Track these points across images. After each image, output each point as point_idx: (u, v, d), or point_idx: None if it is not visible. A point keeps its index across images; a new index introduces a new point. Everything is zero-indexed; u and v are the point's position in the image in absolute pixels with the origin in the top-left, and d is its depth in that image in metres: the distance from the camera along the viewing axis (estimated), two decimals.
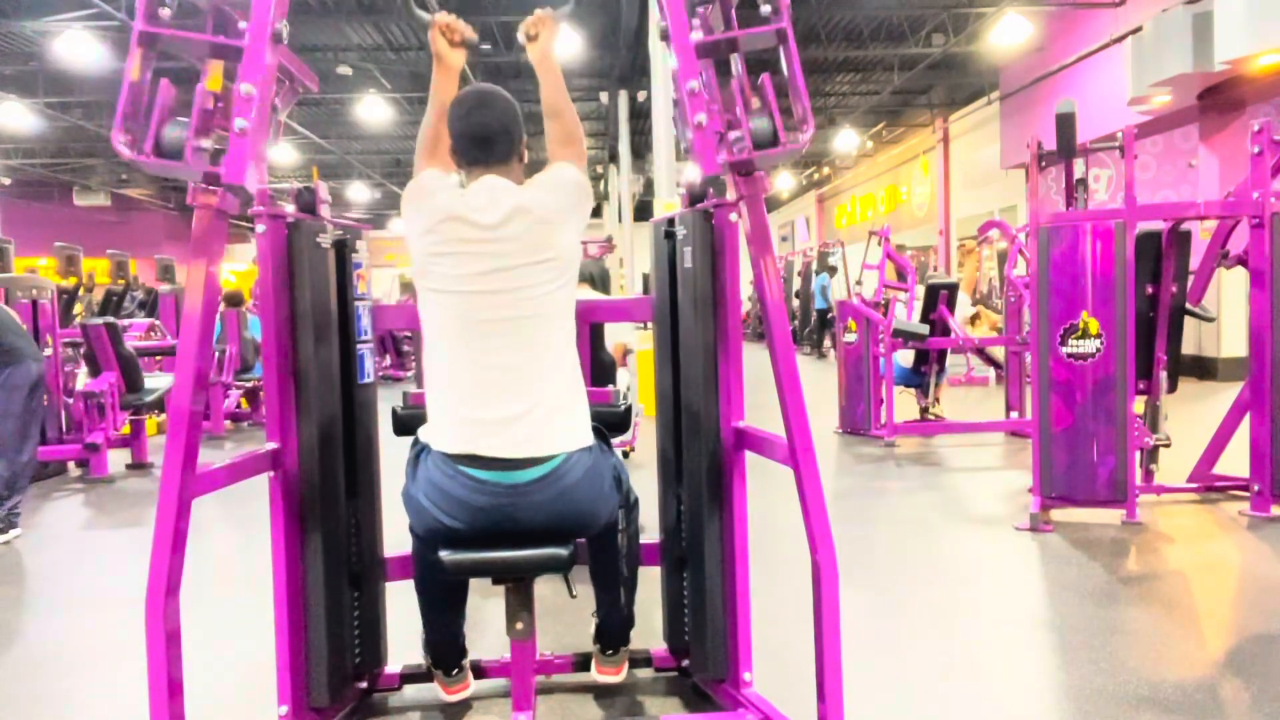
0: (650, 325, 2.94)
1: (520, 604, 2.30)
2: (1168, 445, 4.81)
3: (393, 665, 2.78)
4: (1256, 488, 4.57)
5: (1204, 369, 10.59)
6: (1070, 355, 4.39)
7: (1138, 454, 4.58)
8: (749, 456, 2.52)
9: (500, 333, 2.15)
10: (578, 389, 2.26)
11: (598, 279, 4.84)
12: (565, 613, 3.31)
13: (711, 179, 2.15)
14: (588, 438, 2.24)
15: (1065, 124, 4.43)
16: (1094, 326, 4.34)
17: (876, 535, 4.49)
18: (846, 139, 19.37)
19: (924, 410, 7.49)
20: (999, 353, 8.02)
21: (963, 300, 8.00)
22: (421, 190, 2.24)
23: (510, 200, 2.17)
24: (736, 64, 2.19)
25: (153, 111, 1.96)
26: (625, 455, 6.19)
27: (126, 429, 6.83)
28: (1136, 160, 4.49)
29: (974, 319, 9.23)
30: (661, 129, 10.09)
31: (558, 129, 2.34)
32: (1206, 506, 4.79)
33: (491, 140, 2.24)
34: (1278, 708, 2.54)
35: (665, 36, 2.14)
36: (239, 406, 9.40)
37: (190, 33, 2.03)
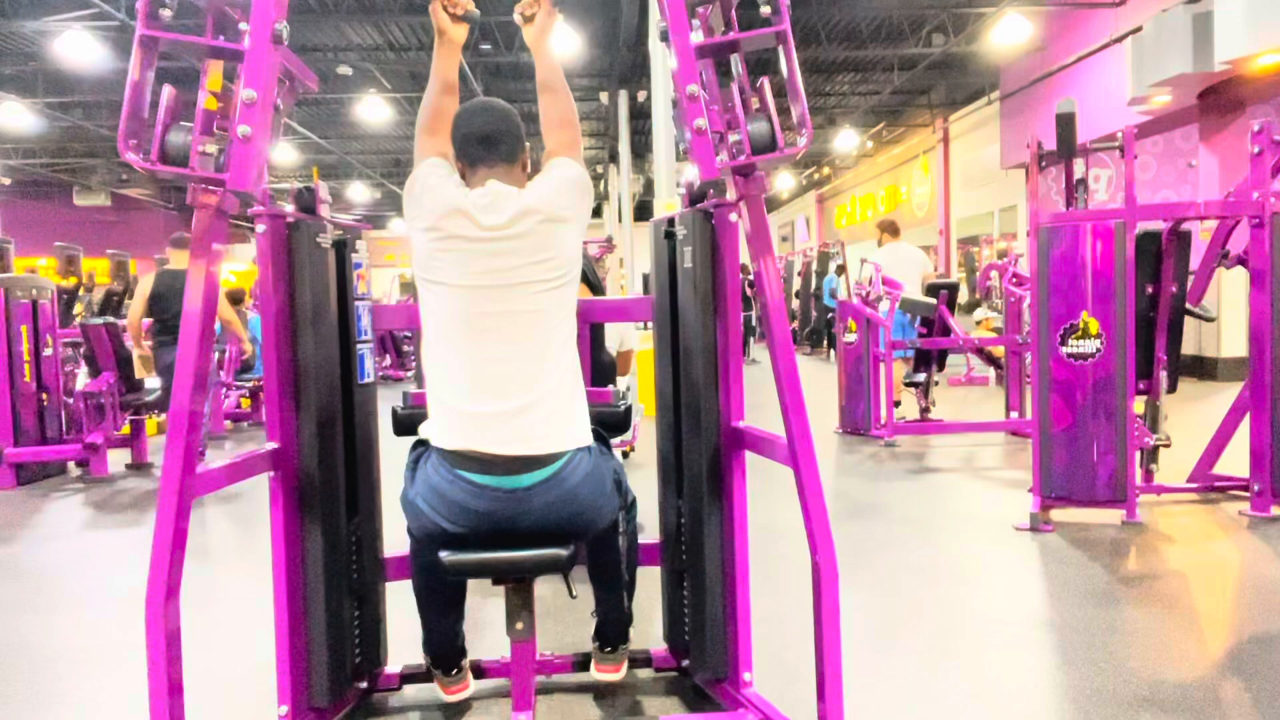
0: (650, 325, 2.94)
1: (520, 604, 2.30)
2: (1168, 445, 4.81)
3: (393, 665, 2.77)
4: (1256, 488, 4.57)
5: (1204, 369, 10.59)
6: (1070, 355, 4.39)
7: (1138, 454, 4.57)
8: (749, 456, 2.52)
9: (500, 328, 2.16)
10: (577, 388, 2.26)
11: (589, 274, 4.82)
12: (565, 613, 3.31)
13: (711, 182, 2.17)
14: (586, 437, 2.24)
15: (1065, 124, 4.43)
16: (1094, 326, 4.34)
17: (876, 535, 4.49)
18: (846, 139, 19.38)
19: (924, 410, 7.50)
20: (999, 353, 8.02)
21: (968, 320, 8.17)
22: (424, 183, 2.24)
23: (515, 203, 2.18)
24: (737, 64, 2.20)
25: (157, 116, 1.97)
26: (625, 455, 6.19)
27: (126, 429, 6.83)
28: (1136, 160, 4.49)
29: (978, 323, 9.34)
30: (661, 129, 10.08)
31: (551, 107, 2.36)
32: (1206, 506, 4.79)
33: (495, 140, 2.26)
34: (1278, 707, 2.54)
35: (665, 37, 2.15)
36: (239, 406, 9.40)
37: (191, 36, 2.04)
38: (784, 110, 2.09)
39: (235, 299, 9.24)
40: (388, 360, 13.77)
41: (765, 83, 2.13)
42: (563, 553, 2.18)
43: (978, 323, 10.28)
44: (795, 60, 2.07)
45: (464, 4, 2.35)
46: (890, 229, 8.36)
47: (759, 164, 2.10)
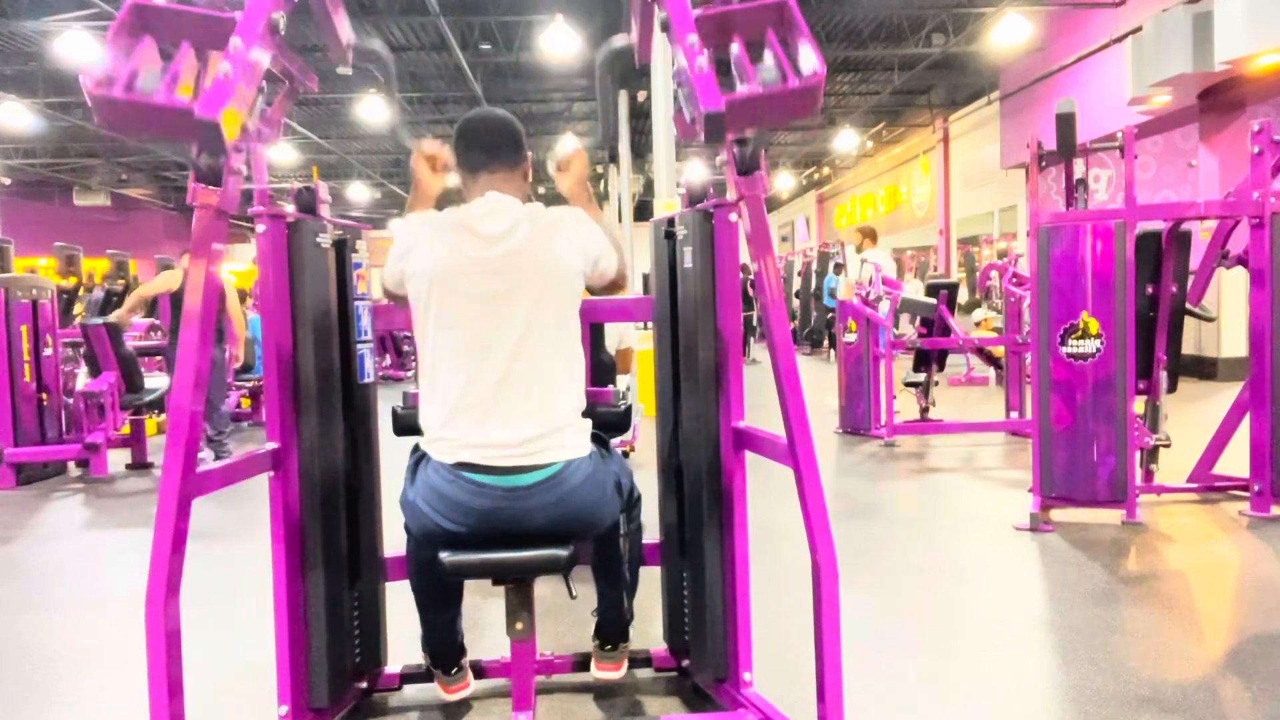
0: (650, 325, 2.94)
1: (520, 604, 2.30)
2: (1168, 445, 4.81)
3: (393, 665, 2.78)
4: (1256, 488, 4.57)
5: (1204, 369, 10.58)
6: (1070, 355, 4.39)
7: (1138, 454, 4.57)
8: (749, 456, 2.52)
9: (502, 350, 2.15)
10: (580, 404, 2.27)
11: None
12: (565, 613, 3.31)
13: (713, 115, 1.88)
14: (587, 447, 2.25)
15: (1065, 124, 4.43)
16: (1094, 326, 4.34)
17: (876, 535, 4.49)
18: (846, 139, 19.36)
19: (924, 410, 7.49)
20: (999, 353, 8.02)
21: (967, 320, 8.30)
22: (420, 215, 2.29)
23: (514, 212, 2.20)
24: (737, 50, 2.16)
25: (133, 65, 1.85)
26: (625, 455, 6.19)
27: (126, 429, 6.83)
28: (1136, 160, 4.49)
29: (978, 324, 9.38)
30: (661, 129, 10.08)
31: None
32: (1206, 506, 4.79)
33: (495, 146, 2.27)
34: (1278, 708, 2.54)
35: (666, 27, 2.12)
36: (239, 406, 9.39)
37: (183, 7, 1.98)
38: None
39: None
40: (388, 360, 13.76)
41: (771, 34, 2.01)
42: (562, 553, 2.18)
43: (977, 323, 10.29)
44: (800, 15, 1.98)
45: (445, 159, 2.38)
46: (871, 235, 9.29)
47: (769, 104, 1.90)
